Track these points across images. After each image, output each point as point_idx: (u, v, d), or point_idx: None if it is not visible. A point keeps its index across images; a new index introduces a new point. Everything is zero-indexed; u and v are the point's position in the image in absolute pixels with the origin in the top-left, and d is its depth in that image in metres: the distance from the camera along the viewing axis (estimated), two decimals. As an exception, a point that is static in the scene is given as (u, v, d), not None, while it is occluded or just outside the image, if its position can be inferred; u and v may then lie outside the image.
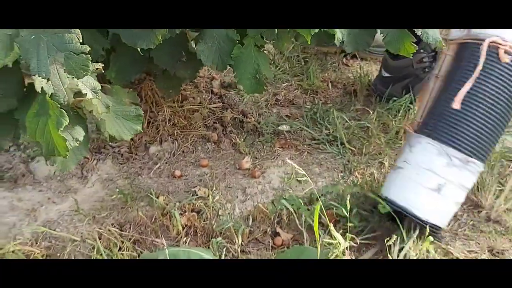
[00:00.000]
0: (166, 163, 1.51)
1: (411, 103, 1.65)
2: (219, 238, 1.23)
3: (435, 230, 1.17)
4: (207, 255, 1.11)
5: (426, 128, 1.20)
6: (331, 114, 1.65)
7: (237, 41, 1.18)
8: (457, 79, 1.18)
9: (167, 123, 1.60)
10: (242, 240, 1.24)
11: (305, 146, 1.56)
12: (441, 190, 1.15)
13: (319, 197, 1.34)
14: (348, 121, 1.61)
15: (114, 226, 1.29)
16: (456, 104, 1.14)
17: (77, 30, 0.72)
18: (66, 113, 0.78)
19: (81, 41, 0.72)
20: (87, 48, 0.72)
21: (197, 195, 1.38)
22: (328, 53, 2.04)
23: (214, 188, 1.40)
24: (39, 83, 0.76)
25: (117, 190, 1.39)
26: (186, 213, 1.32)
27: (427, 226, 1.14)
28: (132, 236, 1.26)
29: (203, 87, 1.82)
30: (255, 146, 1.57)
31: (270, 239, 1.28)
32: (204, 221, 1.30)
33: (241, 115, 1.68)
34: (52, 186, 1.42)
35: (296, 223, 1.29)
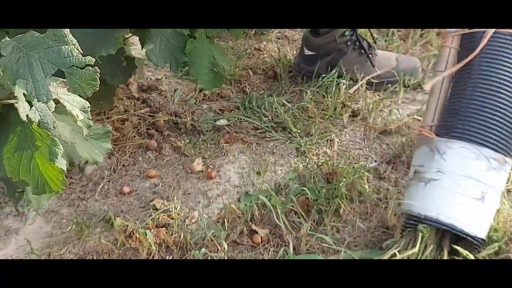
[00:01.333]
0: (109, 181, 1.38)
1: (339, 77, 1.65)
2: (203, 249, 1.14)
3: (479, 243, 1.07)
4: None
5: (454, 131, 1.09)
6: (265, 100, 1.60)
7: (187, 35, 1.09)
8: (475, 71, 1.09)
9: (98, 138, 1.46)
10: (225, 245, 1.16)
11: (251, 137, 1.50)
12: (485, 198, 1.05)
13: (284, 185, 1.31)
14: (286, 104, 1.58)
15: (76, 261, 1.15)
16: None
17: (74, 40, 0.60)
18: (58, 141, 0.66)
19: (82, 52, 0.60)
20: (92, 59, 0.60)
21: (157, 208, 1.27)
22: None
23: (174, 198, 1.30)
24: (24, 111, 0.62)
25: (64, 221, 1.25)
26: (152, 230, 1.21)
27: (473, 240, 1.05)
28: (99, 267, 1.13)
29: (121, 94, 1.68)
30: (198, 146, 1.48)
31: (247, 239, 1.21)
32: (173, 234, 1.20)
33: (174, 116, 1.58)
34: (-13, 231, 1.23)
35: (269, 217, 1.24)
